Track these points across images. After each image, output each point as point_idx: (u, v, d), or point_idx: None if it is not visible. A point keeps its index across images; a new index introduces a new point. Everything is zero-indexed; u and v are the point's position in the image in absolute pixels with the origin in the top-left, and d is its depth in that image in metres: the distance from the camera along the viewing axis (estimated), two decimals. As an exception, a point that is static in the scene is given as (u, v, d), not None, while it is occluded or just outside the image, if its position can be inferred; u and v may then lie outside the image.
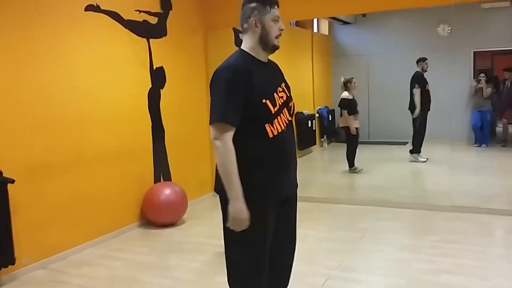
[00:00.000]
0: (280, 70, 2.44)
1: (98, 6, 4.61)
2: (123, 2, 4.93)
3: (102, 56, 4.69)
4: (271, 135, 2.18)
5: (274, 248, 2.33)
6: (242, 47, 2.28)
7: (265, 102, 2.16)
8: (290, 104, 2.33)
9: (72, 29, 4.37)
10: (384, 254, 4.12)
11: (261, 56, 2.28)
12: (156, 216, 5.06)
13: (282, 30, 2.26)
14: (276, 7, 2.25)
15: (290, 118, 2.31)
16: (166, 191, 5.05)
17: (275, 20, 2.24)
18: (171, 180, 5.60)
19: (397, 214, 5.26)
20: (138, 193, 5.11)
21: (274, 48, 2.27)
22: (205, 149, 6.31)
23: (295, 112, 2.40)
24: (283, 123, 2.23)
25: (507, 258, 3.92)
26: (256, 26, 2.22)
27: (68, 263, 4.19)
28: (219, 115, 2.11)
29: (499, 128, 9.65)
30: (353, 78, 7.47)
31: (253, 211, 2.15)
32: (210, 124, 2.14)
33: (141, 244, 4.70)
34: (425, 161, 8.02)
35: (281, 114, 2.23)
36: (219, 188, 2.21)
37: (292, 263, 2.51)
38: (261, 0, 2.22)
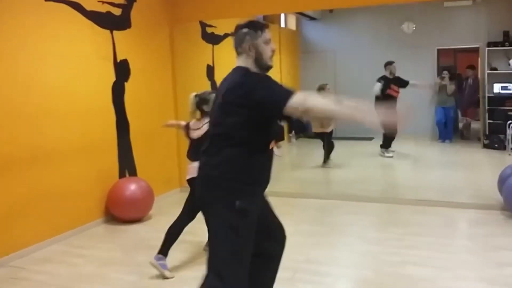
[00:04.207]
0: None
1: (59, -4, 4.47)
2: (86, -8, 4.79)
3: (63, 48, 4.54)
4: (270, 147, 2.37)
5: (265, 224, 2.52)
6: (242, 65, 2.38)
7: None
8: None
9: (31, 19, 4.21)
10: (351, 247, 4.16)
11: None
12: (121, 212, 4.96)
13: (273, 50, 2.40)
14: (266, 30, 2.40)
15: None
16: (132, 187, 4.95)
17: (267, 42, 2.37)
18: (136, 175, 5.49)
19: (364, 208, 5.30)
20: (103, 188, 4.99)
21: (269, 68, 2.40)
22: (172, 144, 6.22)
23: None
24: None
25: (470, 250, 4.00)
26: (250, 50, 2.35)
27: (29, 260, 4.05)
28: (288, 93, 2.13)
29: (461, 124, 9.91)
30: (326, 84, 7.50)
31: (249, 209, 2.28)
32: (286, 106, 2.11)
33: (106, 241, 4.59)
34: (391, 157, 8.14)
35: None
36: (214, 197, 2.32)
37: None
38: (252, 26, 2.37)
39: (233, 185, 2.28)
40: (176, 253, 4.10)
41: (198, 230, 4.33)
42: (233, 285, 2.28)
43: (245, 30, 2.37)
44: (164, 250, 3.70)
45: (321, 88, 7.44)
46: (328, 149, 7.59)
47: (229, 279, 2.27)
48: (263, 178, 2.42)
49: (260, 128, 2.27)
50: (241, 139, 2.27)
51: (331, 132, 7.56)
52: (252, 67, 2.35)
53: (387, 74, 8.04)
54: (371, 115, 2.04)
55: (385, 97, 7.86)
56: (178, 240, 4.36)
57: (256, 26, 2.38)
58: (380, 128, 2.08)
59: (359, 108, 2.07)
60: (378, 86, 7.86)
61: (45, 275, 3.74)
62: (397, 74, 8.08)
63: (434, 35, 9.77)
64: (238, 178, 2.29)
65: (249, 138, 2.28)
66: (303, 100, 2.09)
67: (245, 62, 2.37)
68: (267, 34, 2.39)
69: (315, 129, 7.57)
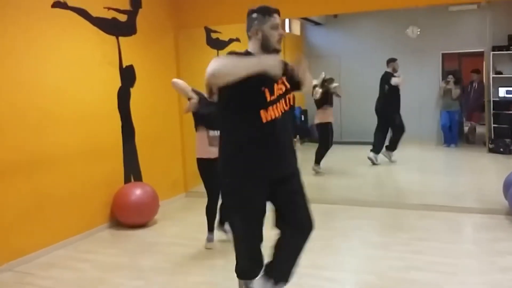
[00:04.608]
0: (285, 66, 2.56)
1: (65, 3, 4.51)
2: (91, -1, 4.84)
3: (69, 54, 4.59)
4: (264, 120, 2.42)
5: (285, 213, 2.69)
6: (248, 49, 2.54)
7: (264, 90, 2.41)
8: (288, 96, 2.57)
9: (38, 26, 4.25)
10: (355, 251, 4.16)
11: None
12: (127, 217, 4.98)
13: (281, 35, 2.51)
14: (275, 15, 2.50)
15: (286, 108, 2.55)
16: (137, 192, 4.98)
17: (274, 27, 2.48)
18: (141, 181, 5.51)
19: (368, 212, 5.30)
20: (108, 193, 5.02)
21: (275, 51, 2.50)
22: (177, 149, 6.25)
23: (293, 103, 2.65)
24: (278, 112, 2.47)
25: (474, 255, 3.98)
26: (257, 34, 2.49)
27: (35, 265, 4.08)
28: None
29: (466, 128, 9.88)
30: (333, 79, 7.53)
31: (240, 190, 2.49)
32: (207, 77, 2.25)
33: (111, 246, 4.61)
34: (395, 161, 8.11)
35: (278, 103, 2.47)
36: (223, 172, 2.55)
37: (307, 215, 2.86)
38: (260, 11, 2.50)
39: (228, 164, 2.52)
40: (184, 259, 4.12)
41: (203, 236, 4.37)
42: (233, 234, 2.73)
43: (254, 15, 2.50)
44: (209, 228, 4.32)
45: (325, 81, 7.45)
46: (331, 140, 7.52)
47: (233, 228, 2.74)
48: (261, 157, 2.48)
49: (237, 102, 2.41)
50: (226, 120, 2.50)
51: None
52: (260, 51, 2.48)
53: (389, 70, 8.04)
54: (270, 60, 2.27)
55: (393, 90, 7.87)
56: (185, 245, 4.40)
57: (264, 11, 2.49)
58: (277, 69, 2.27)
59: (259, 58, 2.32)
60: (394, 79, 7.88)
61: (50, 280, 3.76)
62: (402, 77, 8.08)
63: (439, 40, 9.75)
64: (232, 159, 2.50)
65: (233, 117, 2.45)
66: (212, 66, 2.21)
67: (253, 45, 2.51)
68: (275, 19, 2.48)
69: (319, 119, 7.52)
